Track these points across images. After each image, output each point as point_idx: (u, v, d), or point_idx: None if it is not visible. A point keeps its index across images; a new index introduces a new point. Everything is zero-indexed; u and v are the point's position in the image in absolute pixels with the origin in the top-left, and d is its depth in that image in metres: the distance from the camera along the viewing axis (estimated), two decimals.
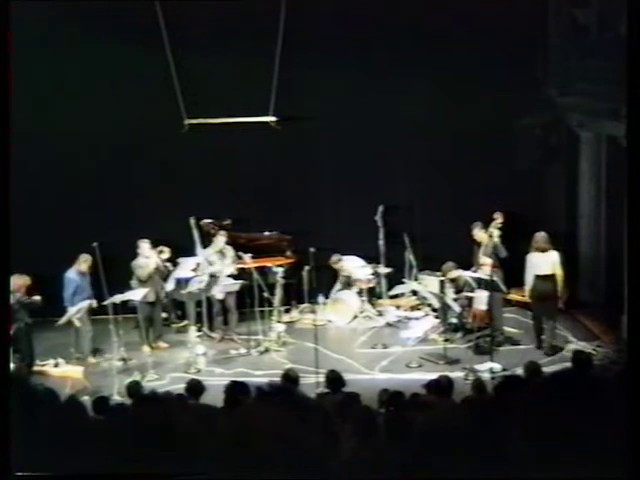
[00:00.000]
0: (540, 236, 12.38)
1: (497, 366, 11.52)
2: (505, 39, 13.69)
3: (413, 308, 14.35)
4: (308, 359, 11.67)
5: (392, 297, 14.44)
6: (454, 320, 13.15)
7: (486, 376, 10.91)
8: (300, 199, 14.64)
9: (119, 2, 13.14)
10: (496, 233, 12.72)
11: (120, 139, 13.92)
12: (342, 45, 13.81)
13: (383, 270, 14.39)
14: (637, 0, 4.31)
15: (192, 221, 13.74)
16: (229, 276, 13.40)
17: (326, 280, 14.40)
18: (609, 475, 2.03)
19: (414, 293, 14.35)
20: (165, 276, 13.29)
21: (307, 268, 13.87)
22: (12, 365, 10.65)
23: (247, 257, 13.37)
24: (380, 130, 14.32)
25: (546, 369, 9.23)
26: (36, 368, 11.94)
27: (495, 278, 12.41)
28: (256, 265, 13.46)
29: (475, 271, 12.87)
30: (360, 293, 14.29)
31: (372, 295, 14.50)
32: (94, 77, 13.73)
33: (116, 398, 10.29)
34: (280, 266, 14.02)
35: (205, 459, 2.35)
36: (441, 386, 8.26)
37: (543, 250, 12.29)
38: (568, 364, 10.07)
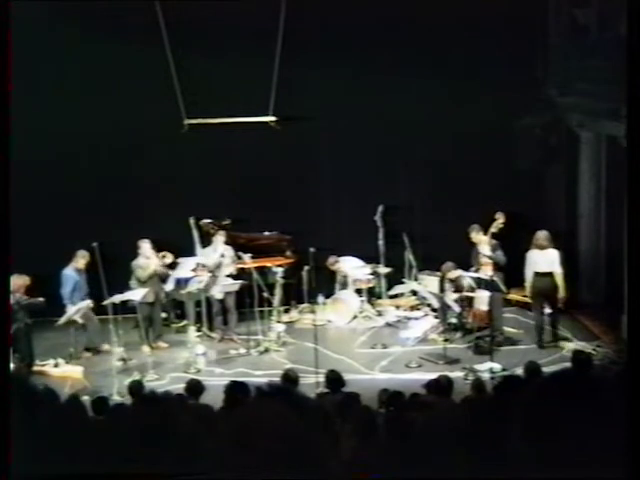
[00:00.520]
0: (541, 234, 12.46)
1: (497, 366, 11.52)
2: (505, 39, 13.70)
3: (413, 308, 14.34)
4: (308, 359, 11.66)
5: (392, 297, 14.44)
6: (454, 320, 13.15)
7: (486, 376, 10.90)
8: (300, 199, 14.63)
9: (119, 2, 13.15)
10: (493, 243, 12.73)
11: (120, 139, 13.91)
12: (342, 45, 13.81)
13: (383, 270, 14.39)
14: (637, 0, 4.31)
15: (192, 221, 13.75)
16: (228, 276, 13.40)
17: (326, 280, 14.39)
18: (609, 475, 2.03)
19: (414, 293, 14.35)
20: (164, 278, 13.27)
21: (307, 268, 13.85)
22: (12, 365, 10.65)
23: (247, 257, 13.36)
24: (380, 130, 14.32)
25: (546, 369, 9.23)
26: (36, 368, 11.92)
27: (495, 278, 12.42)
28: (256, 265, 13.45)
29: (475, 271, 12.87)
30: (360, 293, 14.30)
31: (372, 295, 14.50)
32: (94, 77, 13.71)
33: (116, 398, 10.30)
34: (280, 266, 14.02)
35: (205, 459, 2.35)
36: (441, 386, 8.26)
37: (543, 248, 12.36)
38: (568, 364, 10.07)
